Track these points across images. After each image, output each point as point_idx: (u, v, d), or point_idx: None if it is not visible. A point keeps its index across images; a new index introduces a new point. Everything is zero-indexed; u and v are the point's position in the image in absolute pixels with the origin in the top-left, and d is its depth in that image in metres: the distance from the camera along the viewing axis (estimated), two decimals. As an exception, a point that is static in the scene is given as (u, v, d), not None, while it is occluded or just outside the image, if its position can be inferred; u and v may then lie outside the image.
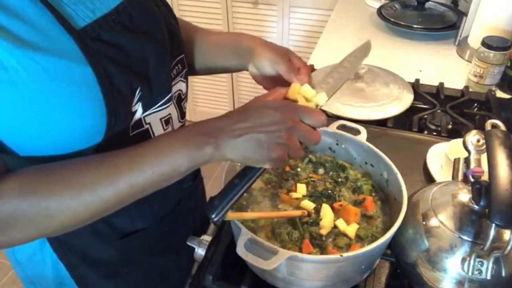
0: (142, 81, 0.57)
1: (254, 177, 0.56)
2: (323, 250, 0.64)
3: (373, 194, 0.72)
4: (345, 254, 0.56)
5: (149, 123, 0.61)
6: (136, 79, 0.56)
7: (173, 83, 0.66)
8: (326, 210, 0.68)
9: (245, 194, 0.72)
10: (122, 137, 0.57)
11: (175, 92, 0.67)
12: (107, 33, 0.53)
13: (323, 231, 0.65)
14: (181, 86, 0.69)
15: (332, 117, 1.01)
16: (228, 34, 0.82)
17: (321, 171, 0.78)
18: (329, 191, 0.72)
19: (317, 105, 0.61)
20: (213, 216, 0.55)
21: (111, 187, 0.50)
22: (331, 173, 0.77)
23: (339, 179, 0.75)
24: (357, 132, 0.77)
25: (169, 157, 0.50)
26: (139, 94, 0.57)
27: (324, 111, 1.01)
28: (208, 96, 2.54)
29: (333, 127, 0.77)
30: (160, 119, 0.63)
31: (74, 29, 0.49)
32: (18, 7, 0.46)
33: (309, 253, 0.62)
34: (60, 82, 0.49)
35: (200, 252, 0.70)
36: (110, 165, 0.51)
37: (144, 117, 0.60)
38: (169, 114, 0.65)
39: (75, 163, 0.52)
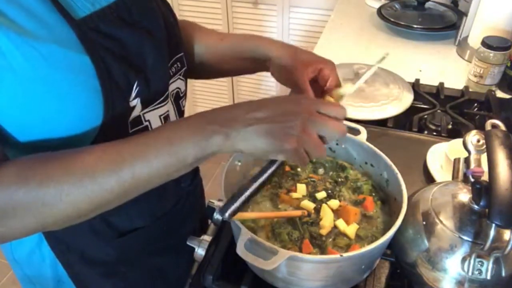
0: (140, 75, 0.58)
1: (268, 172, 0.54)
2: (323, 250, 0.63)
3: (373, 194, 0.72)
4: (345, 254, 0.56)
5: (148, 120, 0.62)
6: (133, 73, 0.57)
7: (171, 80, 0.67)
8: (326, 210, 0.68)
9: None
10: (121, 133, 0.57)
11: (173, 90, 0.68)
12: (105, 26, 0.53)
13: (323, 231, 0.65)
14: (179, 84, 0.70)
15: (332, 117, 1.00)
16: (243, 37, 0.78)
17: (321, 171, 0.78)
18: (329, 191, 0.72)
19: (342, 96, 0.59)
20: (224, 212, 0.53)
21: (114, 176, 0.48)
22: (331, 173, 0.77)
23: (339, 179, 0.75)
24: (357, 132, 0.77)
25: (175, 146, 0.48)
26: (137, 89, 0.58)
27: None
28: (208, 96, 2.54)
29: (333, 127, 0.77)
30: (159, 116, 0.64)
31: (73, 19, 0.50)
32: None
33: (309, 253, 0.62)
34: (58, 70, 0.49)
35: (200, 252, 0.70)
36: (113, 153, 0.49)
37: (143, 114, 0.60)
38: (168, 111, 0.66)
39: (76, 150, 0.50)
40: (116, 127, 0.56)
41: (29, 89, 0.48)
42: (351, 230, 0.65)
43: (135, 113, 0.59)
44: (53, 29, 0.49)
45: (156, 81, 0.61)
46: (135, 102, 0.58)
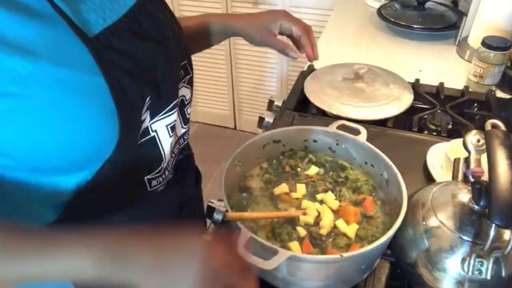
0: (151, 89, 0.57)
1: None
2: (323, 250, 0.64)
3: (373, 194, 0.72)
4: (345, 254, 0.56)
5: (155, 130, 0.61)
6: (146, 88, 0.56)
7: None
8: (326, 210, 0.68)
9: (245, 194, 0.72)
10: (131, 145, 0.57)
11: (178, 98, 0.67)
12: (118, 41, 0.52)
13: (323, 231, 0.65)
14: (183, 92, 0.69)
15: (332, 117, 1.00)
16: (209, 19, 0.88)
17: (321, 171, 0.78)
18: (330, 191, 0.72)
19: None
20: None
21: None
22: (331, 173, 0.77)
23: (339, 179, 0.75)
24: (357, 132, 0.77)
25: (61, 270, 0.47)
26: (148, 103, 0.57)
27: (324, 112, 1.02)
28: (208, 96, 2.55)
29: (333, 127, 0.77)
30: (166, 125, 0.63)
31: (88, 37, 0.49)
32: (39, 8, 0.46)
33: (309, 253, 0.62)
34: (72, 94, 0.48)
35: (200, 252, 0.70)
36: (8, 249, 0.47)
37: (150, 124, 0.60)
38: (175, 120, 0.65)
39: None
40: (128, 141, 0.56)
41: (43, 116, 0.47)
42: (351, 230, 0.65)
43: (143, 125, 0.58)
44: (67, 50, 0.48)
45: (166, 92, 0.61)
46: (145, 115, 0.58)
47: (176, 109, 0.65)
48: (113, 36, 0.52)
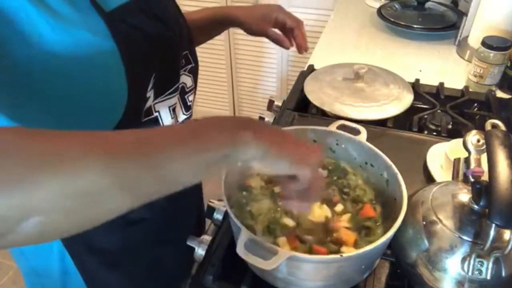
0: (156, 68, 0.61)
1: None
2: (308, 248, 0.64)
3: (373, 202, 0.72)
4: (345, 254, 0.56)
5: (158, 111, 0.64)
6: (152, 65, 0.59)
7: None
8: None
9: (244, 193, 0.72)
10: (134, 123, 0.60)
11: (179, 83, 0.71)
12: (131, 18, 0.56)
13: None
14: (184, 79, 0.73)
15: (332, 117, 1.00)
16: (212, 14, 0.93)
17: (324, 173, 0.77)
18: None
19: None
20: None
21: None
22: (335, 177, 0.76)
23: (344, 189, 0.74)
24: (357, 132, 0.77)
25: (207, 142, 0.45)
26: (153, 82, 0.60)
27: (324, 111, 1.02)
28: (208, 96, 2.55)
29: (333, 127, 0.77)
30: (169, 107, 0.67)
31: (104, 11, 0.53)
32: None
33: (296, 248, 0.62)
34: (90, 57, 0.52)
35: (200, 252, 0.70)
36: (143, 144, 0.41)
37: (154, 104, 0.63)
38: (175, 103, 0.69)
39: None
40: (132, 117, 0.59)
41: (62, 75, 0.50)
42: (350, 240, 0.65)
43: (148, 103, 0.61)
44: (87, 19, 0.51)
45: (169, 74, 0.65)
46: (150, 94, 0.61)
47: (177, 93, 0.69)
48: (126, 13, 0.56)
